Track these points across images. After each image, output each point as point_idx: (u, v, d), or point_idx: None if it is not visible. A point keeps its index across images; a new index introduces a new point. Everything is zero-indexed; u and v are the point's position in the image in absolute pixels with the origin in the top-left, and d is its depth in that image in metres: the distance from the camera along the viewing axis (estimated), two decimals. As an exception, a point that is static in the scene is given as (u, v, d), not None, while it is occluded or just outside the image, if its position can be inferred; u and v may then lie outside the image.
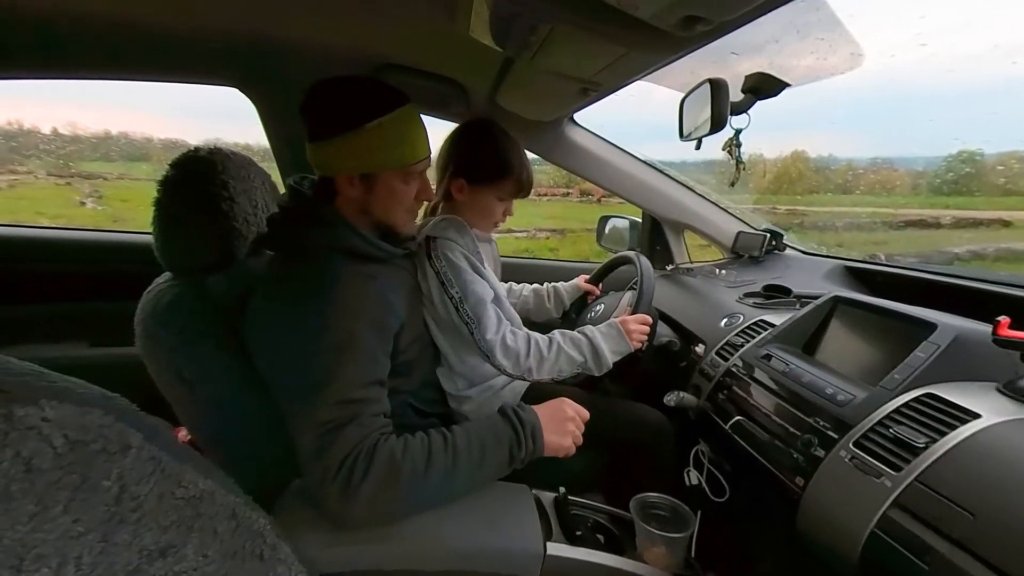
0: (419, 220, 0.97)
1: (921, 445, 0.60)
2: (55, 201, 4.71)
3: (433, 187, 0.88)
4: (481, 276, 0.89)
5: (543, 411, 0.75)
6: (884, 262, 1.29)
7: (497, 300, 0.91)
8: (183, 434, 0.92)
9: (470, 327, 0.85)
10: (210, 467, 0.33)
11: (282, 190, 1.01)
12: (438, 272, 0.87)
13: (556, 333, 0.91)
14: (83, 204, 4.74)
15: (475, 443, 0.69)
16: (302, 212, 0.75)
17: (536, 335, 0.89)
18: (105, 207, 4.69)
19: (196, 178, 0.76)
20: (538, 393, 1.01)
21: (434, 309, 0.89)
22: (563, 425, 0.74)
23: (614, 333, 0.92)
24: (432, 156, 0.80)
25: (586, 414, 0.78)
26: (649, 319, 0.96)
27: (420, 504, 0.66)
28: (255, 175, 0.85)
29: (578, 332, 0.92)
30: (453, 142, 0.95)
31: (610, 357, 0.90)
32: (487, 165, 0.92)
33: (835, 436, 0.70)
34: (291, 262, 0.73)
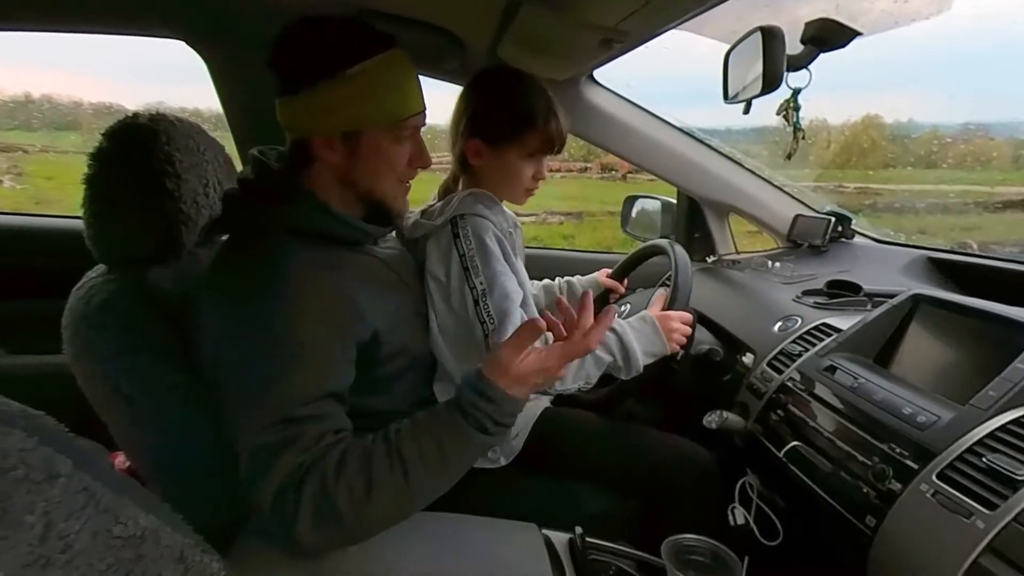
0: (432, 200, 0.97)
1: (1021, 478, 0.60)
2: (-34, 180, 4.77)
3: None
4: (512, 269, 0.89)
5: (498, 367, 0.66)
6: (977, 252, 1.28)
7: (524, 304, 0.90)
8: (120, 460, 0.94)
9: (486, 327, 0.84)
10: (153, 501, 0.34)
11: (239, 164, 1.01)
12: (463, 255, 0.86)
13: None
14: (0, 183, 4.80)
15: (427, 443, 0.65)
16: (264, 187, 0.75)
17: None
18: (26, 186, 4.74)
19: (135, 151, 0.76)
20: (547, 418, 1.01)
21: (444, 303, 0.88)
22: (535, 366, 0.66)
23: (648, 330, 0.91)
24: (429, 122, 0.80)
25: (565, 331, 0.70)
26: (690, 317, 0.96)
27: (375, 527, 0.65)
28: (206, 147, 0.85)
29: None
30: (464, 96, 0.95)
31: (642, 359, 0.90)
32: (504, 117, 0.92)
33: (915, 466, 0.70)
34: (239, 248, 0.73)
